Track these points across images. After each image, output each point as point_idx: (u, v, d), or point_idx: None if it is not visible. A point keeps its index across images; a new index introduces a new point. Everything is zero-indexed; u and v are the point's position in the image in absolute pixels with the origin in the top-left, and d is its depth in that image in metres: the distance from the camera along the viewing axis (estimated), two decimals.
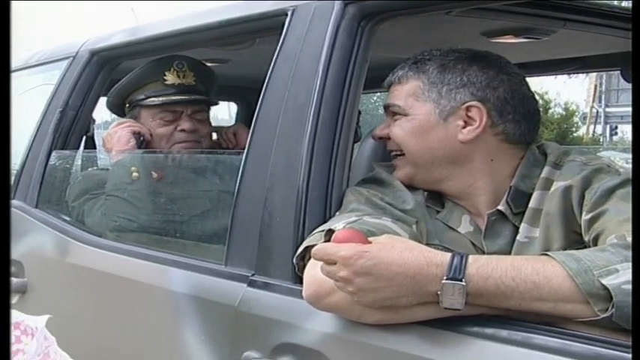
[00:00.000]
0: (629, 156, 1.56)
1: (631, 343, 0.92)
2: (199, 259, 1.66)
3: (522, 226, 1.37)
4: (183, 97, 2.18)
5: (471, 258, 1.08)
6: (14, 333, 1.15)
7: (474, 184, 1.42)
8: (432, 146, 1.41)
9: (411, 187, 1.44)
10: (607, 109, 19.79)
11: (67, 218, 2.13)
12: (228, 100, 3.35)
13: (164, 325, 1.63)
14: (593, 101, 19.46)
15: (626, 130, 19.50)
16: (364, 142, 1.67)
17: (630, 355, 0.92)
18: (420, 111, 1.42)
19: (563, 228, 1.32)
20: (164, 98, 2.18)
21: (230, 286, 1.47)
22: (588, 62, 2.21)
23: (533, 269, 1.05)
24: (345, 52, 1.43)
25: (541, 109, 1.61)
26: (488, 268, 1.06)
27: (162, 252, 1.78)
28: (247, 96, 3.08)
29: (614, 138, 20.31)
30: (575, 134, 18.10)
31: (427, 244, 1.22)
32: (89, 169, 2.31)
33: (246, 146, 1.55)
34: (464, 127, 1.39)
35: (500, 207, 1.39)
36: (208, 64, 2.35)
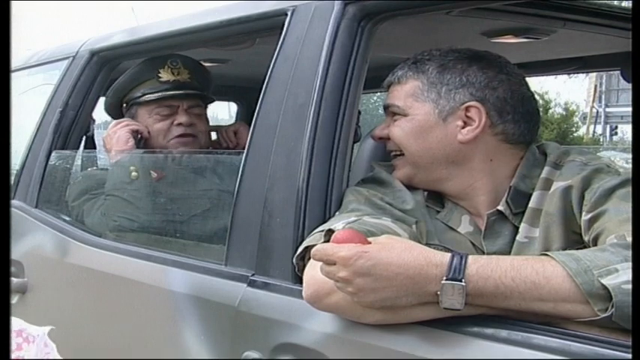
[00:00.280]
0: (629, 156, 1.56)
1: (631, 343, 0.92)
2: (199, 259, 1.66)
3: (522, 226, 1.37)
4: (178, 92, 2.19)
5: (470, 258, 1.08)
6: (16, 340, 1.15)
7: (474, 184, 1.42)
8: (431, 146, 1.41)
9: (410, 187, 1.44)
10: (607, 109, 19.77)
11: (67, 218, 2.13)
12: (229, 100, 3.35)
13: (164, 325, 1.63)
14: (593, 101, 19.45)
15: (626, 130, 19.49)
16: (364, 142, 1.67)
17: (630, 355, 0.92)
18: (419, 111, 1.42)
19: (562, 228, 1.32)
20: (159, 94, 2.18)
21: (230, 286, 1.47)
22: (588, 62, 2.21)
23: (532, 269, 1.05)
24: (345, 52, 1.43)
25: (541, 109, 1.61)
26: (487, 269, 1.06)
27: (162, 252, 1.77)
28: (247, 96, 3.08)
29: (614, 138, 20.28)
30: (575, 134, 18.12)
31: (427, 244, 1.22)
32: (89, 169, 2.31)
33: (246, 146, 1.55)
34: (463, 128, 1.39)
35: (499, 207, 1.39)
36: (209, 64, 2.36)
